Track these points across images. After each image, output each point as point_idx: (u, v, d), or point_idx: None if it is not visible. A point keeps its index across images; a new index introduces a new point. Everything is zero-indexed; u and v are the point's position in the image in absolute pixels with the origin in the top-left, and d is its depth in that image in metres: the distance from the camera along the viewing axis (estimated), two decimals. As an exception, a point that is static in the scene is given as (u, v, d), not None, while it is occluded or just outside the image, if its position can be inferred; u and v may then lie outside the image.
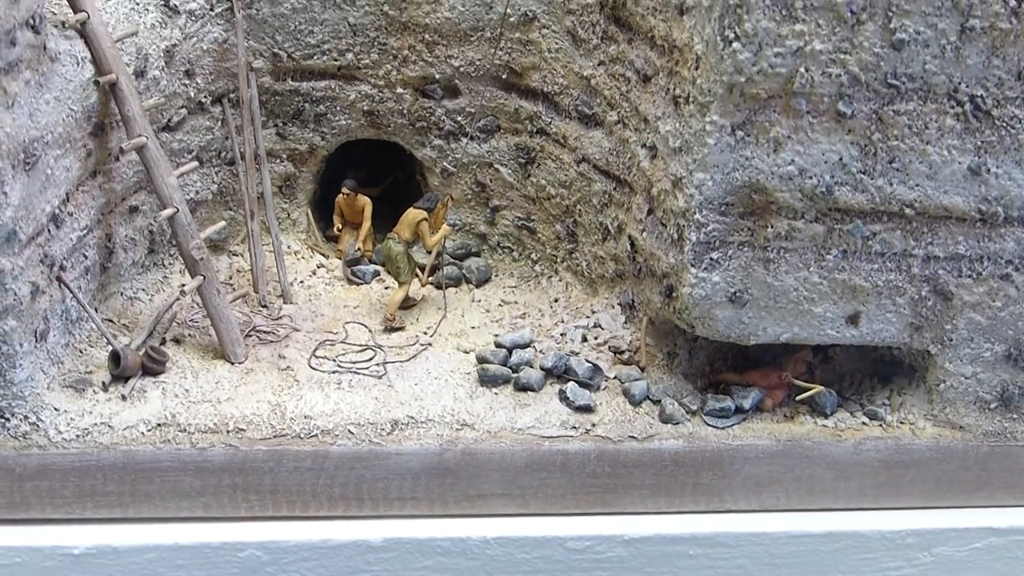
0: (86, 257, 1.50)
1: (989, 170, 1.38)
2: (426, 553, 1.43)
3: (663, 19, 1.40)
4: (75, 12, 1.41)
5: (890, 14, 1.30)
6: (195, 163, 1.58)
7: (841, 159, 1.36)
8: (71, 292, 1.45)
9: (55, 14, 1.40)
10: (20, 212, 1.32)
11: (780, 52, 1.31)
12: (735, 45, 1.31)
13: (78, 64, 1.43)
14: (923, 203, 1.39)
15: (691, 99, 1.37)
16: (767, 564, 1.48)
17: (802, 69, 1.32)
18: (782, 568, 1.48)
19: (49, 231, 1.40)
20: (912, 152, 1.37)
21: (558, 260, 1.63)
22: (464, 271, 1.68)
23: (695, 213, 1.38)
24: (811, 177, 1.37)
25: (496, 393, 1.49)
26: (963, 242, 1.41)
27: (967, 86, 1.34)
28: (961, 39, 1.32)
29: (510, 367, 1.50)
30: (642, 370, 1.51)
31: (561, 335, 1.56)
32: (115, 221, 1.54)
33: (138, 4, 1.51)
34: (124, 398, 1.44)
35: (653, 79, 1.43)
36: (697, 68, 1.35)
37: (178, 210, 1.48)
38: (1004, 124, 1.36)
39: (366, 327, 1.57)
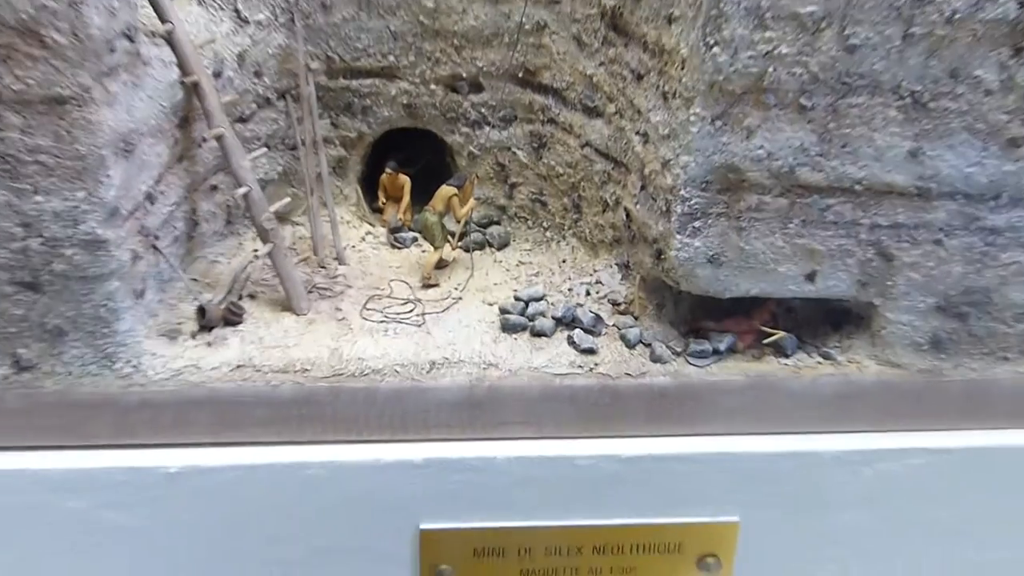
0: (175, 228, 1.50)
1: (925, 153, 1.36)
2: (458, 470, 1.43)
3: (654, 27, 1.39)
4: (162, 23, 1.40)
5: (844, 23, 1.29)
6: (264, 149, 1.57)
7: (802, 144, 1.35)
8: (164, 257, 1.45)
9: (145, 24, 1.39)
10: (121, 192, 1.31)
11: (752, 55, 1.30)
12: (715, 49, 1.30)
13: (165, 67, 1.43)
14: (870, 181, 1.38)
15: (677, 94, 1.36)
16: (739, 477, 1.48)
17: (771, 69, 1.31)
18: (751, 480, 1.48)
19: (145, 207, 1.40)
20: (861, 139, 1.35)
21: (565, 228, 1.63)
22: (487, 237, 1.67)
23: (680, 189, 1.37)
24: (777, 159, 1.36)
25: (515, 338, 1.48)
26: (903, 213, 1.40)
27: (908, 83, 1.33)
28: (904, 43, 1.30)
29: (527, 317, 1.50)
30: (636, 319, 1.51)
31: (568, 290, 1.56)
32: (199, 197, 1.54)
33: (214, 16, 1.51)
34: (209, 344, 1.44)
35: (645, 77, 1.42)
36: (683, 68, 1.35)
37: (251, 188, 1.47)
38: (938, 115, 1.34)
39: (407, 284, 1.57)
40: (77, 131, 1.25)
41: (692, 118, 1.33)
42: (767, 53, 1.30)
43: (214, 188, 1.55)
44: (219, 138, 1.46)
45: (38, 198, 1.27)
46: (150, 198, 1.40)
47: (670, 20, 1.36)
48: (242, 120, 1.56)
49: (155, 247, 1.42)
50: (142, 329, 1.40)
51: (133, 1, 1.31)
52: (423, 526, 1.44)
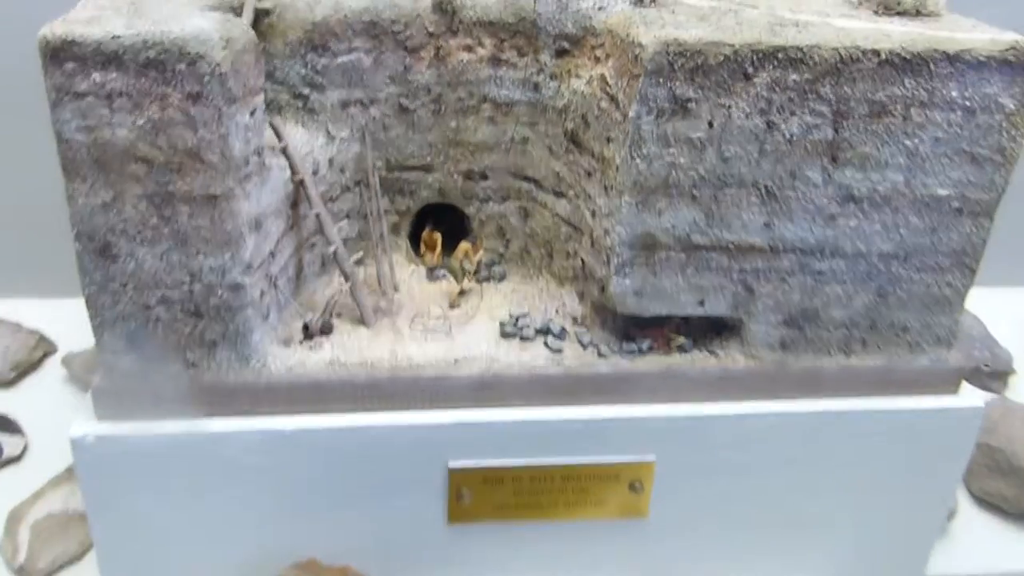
0: (288, 272, 1.51)
1: (775, 225, 1.39)
2: (474, 429, 1.46)
3: (599, 144, 1.40)
4: (279, 141, 1.42)
5: (721, 143, 1.31)
6: (346, 219, 1.58)
7: (694, 220, 1.37)
8: (280, 292, 1.46)
9: (268, 142, 1.42)
10: (254, 253, 1.34)
11: (661, 163, 1.32)
12: (637, 160, 1.32)
13: (282, 170, 1.43)
14: (738, 242, 1.40)
15: (614, 188, 1.38)
16: (655, 431, 1.51)
17: (673, 173, 1.33)
18: (663, 433, 1.51)
19: (269, 260, 1.42)
20: (733, 216, 1.37)
21: (543, 269, 1.63)
22: (490, 273, 1.67)
23: (616, 248, 1.39)
24: (678, 229, 1.38)
25: (510, 343, 1.50)
26: (760, 262, 1.42)
27: (763, 180, 1.35)
28: (760, 155, 1.33)
29: (517, 328, 1.51)
30: (588, 329, 1.52)
31: (544, 310, 1.56)
32: (303, 252, 1.54)
33: (312, 134, 1.51)
34: (310, 348, 1.46)
35: (593, 175, 1.43)
36: (617, 171, 1.36)
37: (338, 246, 1.49)
38: (783, 200, 1.37)
39: (439, 307, 1.57)
40: (225, 216, 1.28)
41: (623, 203, 1.36)
42: (671, 163, 1.33)
43: (313, 245, 1.56)
44: (317, 215, 1.49)
45: (200, 258, 1.31)
46: (272, 255, 1.42)
47: (608, 140, 1.37)
48: (332, 200, 1.57)
49: (275, 285, 1.44)
50: (267, 340, 1.42)
51: (260, 129, 1.33)
52: (451, 465, 1.48)
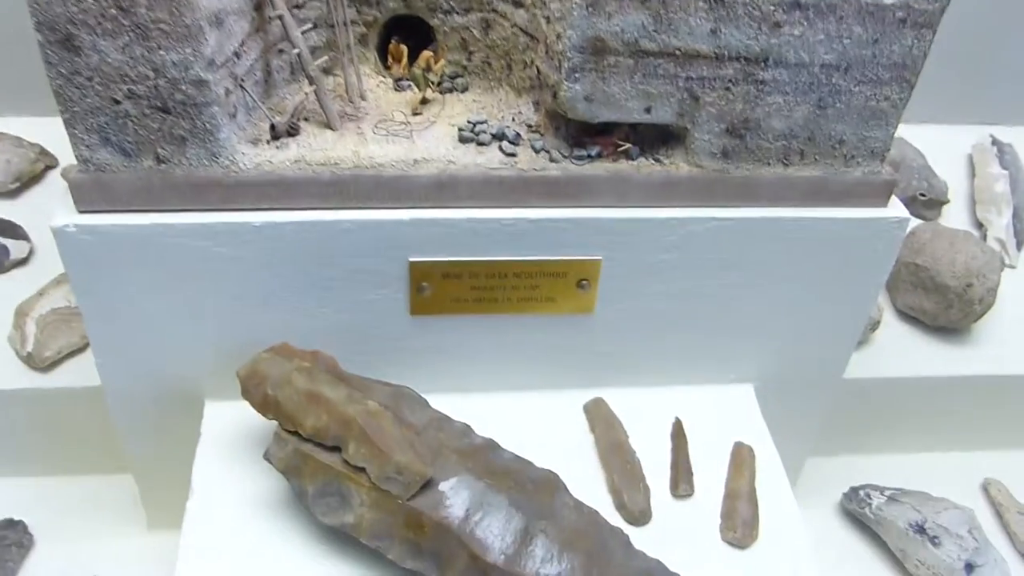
0: (256, 75, 1.44)
1: (721, 31, 1.32)
2: (432, 225, 1.43)
3: None
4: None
5: (670, -58, 1.22)
6: (311, 25, 1.49)
7: (643, 24, 1.30)
8: (248, 93, 1.40)
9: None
10: (215, 49, 1.27)
11: (611, -37, 1.24)
12: (588, -41, 1.23)
13: None
14: (685, 48, 1.33)
15: (565, -10, 1.30)
16: (602, 233, 1.49)
17: (623, -27, 1.25)
18: (609, 235, 1.49)
19: (233, 60, 1.35)
20: (680, 21, 1.30)
21: (502, 80, 1.57)
22: (454, 85, 1.61)
23: (567, 52, 1.32)
24: (627, 34, 1.31)
25: (467, 147, 1.45)
26: (705, 69, 1.36)
27: (709, -17, 1.27)
28: (707, -44, 1.24)
29: (475, 133, 1.46)
30: (541, 136, 1.48)
31: (501, 117, 1.52)
32: (271, 56, 1.48)
33: None
34: (278, 148, 1.41)
35: None
36: None
37: (302, 50, 1.42)
38: (729, 6, 1.29)
39: (403, 113, 1.52)
40: (184, 9, 1.20)
41: (574, 5, 1.28)
42: (620, -38, 1.25)
43: (281, 51, 1.49)
44: (280, 17, 1.40)
45: (162, 53, 1.24)
46: (236, 55, 1.35)
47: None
48: (297, 7, 1.48)
49: (242, 86, 1.38)
50: (235, 138, 1.37)
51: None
52: (411, 259, 1.47)
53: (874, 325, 2.07)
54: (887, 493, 1.86)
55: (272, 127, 1.41)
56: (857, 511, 1.90)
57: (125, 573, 1.80)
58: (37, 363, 1.80)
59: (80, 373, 1.81)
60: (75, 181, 1.34)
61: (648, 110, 1.40)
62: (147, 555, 1.82)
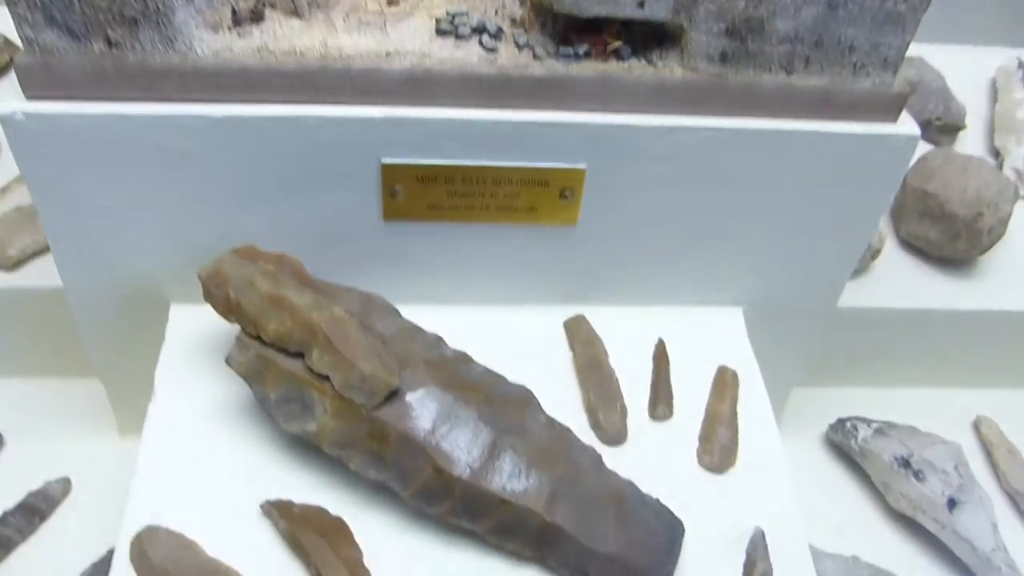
0: None
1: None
2: (405, 124, 1.34)
3: None
4: None
5: None
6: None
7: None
8: (207, -28, 1.30)
9: None
10: (166, -83, 1.16)
11: None
12: None
13: None
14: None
15: None
16: (587, 139, 1.39)
17: None
18: (595, 141, 1.39)
19: (189, -67, 1.24)
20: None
21: None
22: None
23: (554, -65, 1.21)
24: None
25: (444, 40, 1.35)
26: (706, -41, 1.24)
27: None
28: None
29: (453, 25, 1.35)
30: (526, 31, 1.37)
31: (483, 10, 1.41)
32: None
33: None
34: (239, 35, 1.30)
35: None
36: None
37: (267, -74, 1.31)
38: None
39: (378, 3, 1.41)
40: None
41: None
42: None
43: None
44: None
45: (107, -82, 1.13)
46: (194, -71, 1.23)
47: None
48: None
49: (201, -35, 1.27)
50: (192, 22, 1.27)
51: None
52: (384, 160, 1.38)
53: (874, 253, 1.98)
54: (874, 426, 1.81)
55: (234, 12, 1.31)
56: (842, 442, 1.84)
57: (96, 476, 1.78)
58: (1, 262, 1.74)
59: (48, 273, 1.75)
60: (21, 64, 1.25)
61: (641, 4, 1.28)
62: (117, 460, 1.78)
